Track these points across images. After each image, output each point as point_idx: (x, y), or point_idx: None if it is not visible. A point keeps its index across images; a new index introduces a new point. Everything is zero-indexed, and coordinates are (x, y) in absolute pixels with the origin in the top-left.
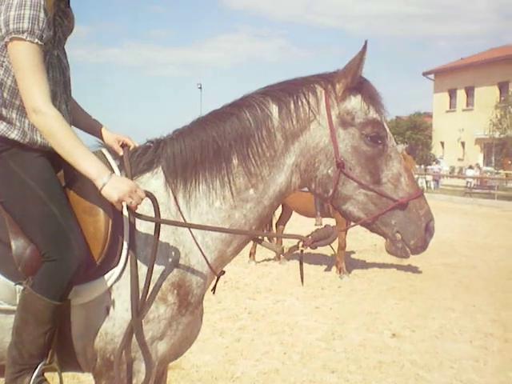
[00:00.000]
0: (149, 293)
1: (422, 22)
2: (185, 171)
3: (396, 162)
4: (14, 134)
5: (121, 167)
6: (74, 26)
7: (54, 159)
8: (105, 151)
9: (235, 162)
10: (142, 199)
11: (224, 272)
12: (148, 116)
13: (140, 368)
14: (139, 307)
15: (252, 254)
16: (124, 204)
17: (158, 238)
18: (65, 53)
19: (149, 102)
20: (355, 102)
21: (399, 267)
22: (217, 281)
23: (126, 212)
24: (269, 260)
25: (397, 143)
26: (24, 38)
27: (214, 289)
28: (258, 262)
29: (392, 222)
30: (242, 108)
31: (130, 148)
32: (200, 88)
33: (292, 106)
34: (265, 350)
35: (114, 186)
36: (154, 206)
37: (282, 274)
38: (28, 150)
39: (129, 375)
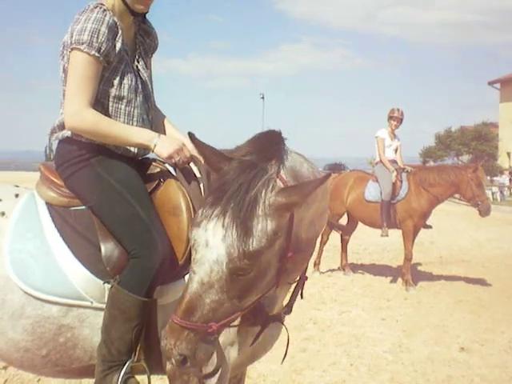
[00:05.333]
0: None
1: (486, 31)
2: None
3: None
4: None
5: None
6: (158, 44)
7: (137, 165)
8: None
9: None
10: (188, 157)
11: (307, 278)
12: (209, 125)
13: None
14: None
15: (317, 265)
16: None
17: None
18: (147, 67)
19: (211, 112)
20: None
21: (467, 280)
22: (302, 287)
23: None
24: (333, 270)
25: (462, 154)
26: (82, 48)
27: (301, 294)
28: (323, 273)
29: None
30: None
31: None
32: (262, 98)
33: None
34: (331, 360)
35: (163, 145)
36: (199, 170)
37: (347, 285)
38: (113, 157)
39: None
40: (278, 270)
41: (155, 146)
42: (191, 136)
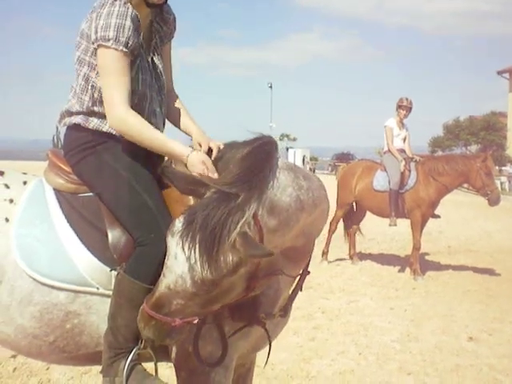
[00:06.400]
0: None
1: (496, 20)
2: None
3: None
4: (106, 127)
5: None
6: (175, 30)
7: (145, 153)
8: None
9: None
10: (211, 170)
11: (309, 272)
12: (215, 114)
13: (218, 361)
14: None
15: (325, 254)
16: None
17: None
18: (161, 57)
19: (218, 101)
20: None
21: (475, 270)
22: (303, 280)
23: None
24: (341, 260)
25: (470, 144)
26: (109, 45)
27: (300, 288)
28: (331, 262)
29: None
30: None
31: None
32: (270, 87)
33: None
34: (340, 349)
35: (195, 158)
36: None
37: (355, 275)
38: (120, 144)
39: (206, 368)
40: (246, 288)
41: (188, 157)
42: (164, 171)
